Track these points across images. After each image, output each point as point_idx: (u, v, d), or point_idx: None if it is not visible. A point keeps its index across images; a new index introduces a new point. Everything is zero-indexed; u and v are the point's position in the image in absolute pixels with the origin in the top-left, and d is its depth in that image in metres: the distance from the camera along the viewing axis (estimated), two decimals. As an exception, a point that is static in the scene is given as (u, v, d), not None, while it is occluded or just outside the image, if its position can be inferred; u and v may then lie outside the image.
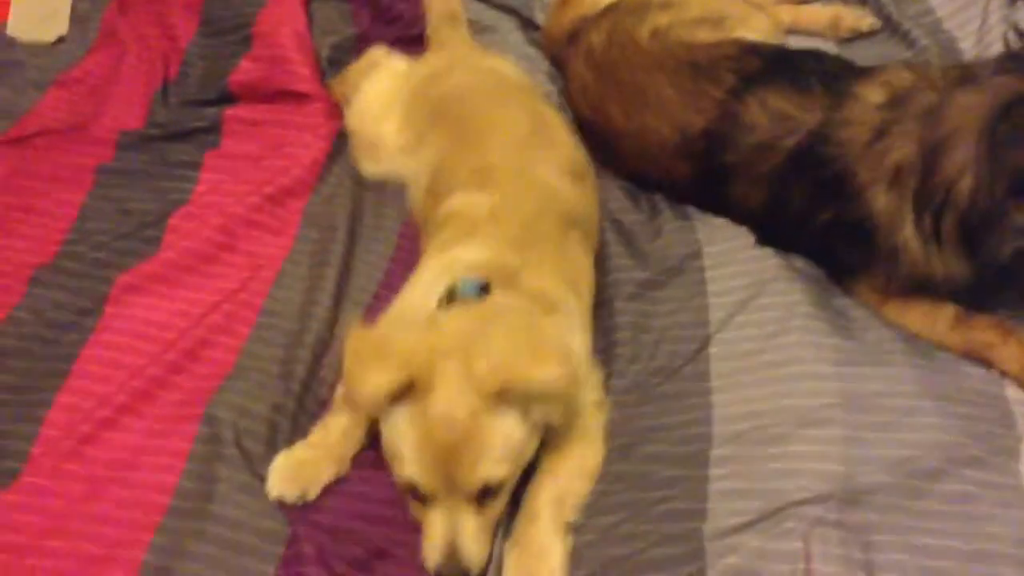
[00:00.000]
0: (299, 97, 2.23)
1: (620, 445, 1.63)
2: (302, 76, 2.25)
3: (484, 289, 1.53)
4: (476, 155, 1.81)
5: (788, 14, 2.30)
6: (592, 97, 2.11)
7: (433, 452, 1.37)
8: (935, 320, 1.73)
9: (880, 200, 1.71)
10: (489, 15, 2.46)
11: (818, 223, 1.80)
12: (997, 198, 1.54)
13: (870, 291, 1.79)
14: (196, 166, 2.14)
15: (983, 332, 1.69)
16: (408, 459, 1.39)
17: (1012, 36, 1.88)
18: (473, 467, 1.37)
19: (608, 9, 2.20)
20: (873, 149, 1.71)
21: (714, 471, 1.57)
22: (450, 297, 1.53)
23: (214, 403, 1.67)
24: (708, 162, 1.92)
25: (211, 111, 2.25)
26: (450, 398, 1.36)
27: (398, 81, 2.10)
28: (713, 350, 1.75)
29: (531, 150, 1.81)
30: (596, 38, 2.13)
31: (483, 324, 1.44)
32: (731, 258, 1.88)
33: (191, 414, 1.65)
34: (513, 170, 1.76)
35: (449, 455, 1.36)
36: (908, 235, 1.69)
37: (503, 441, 1.39)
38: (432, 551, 1.41)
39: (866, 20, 2.29)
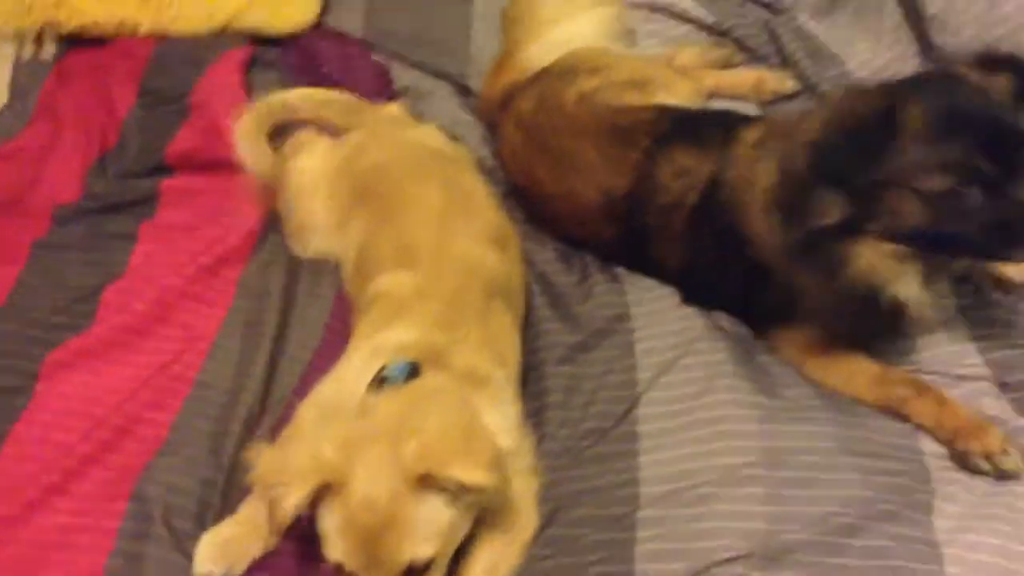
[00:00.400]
0: (235, 166, 2.24)
1: (551, 510, 1.65)
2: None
3: (414, 371, 1.56)
4: (398, 233, 1.84)
5: (712, 78, 2.37)
6: (523, 161, 2.16)
7: (357, 534, 1.38)
8: (854, 376, 1.78)
9: (761, 229, 1.75)
10: (426, 82, 2.51)
11: (731, 277, 1.86)
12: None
13: (791, 348, 1.84)
14: (131, 238, 2.15)
15: (899, 387, 1.74)
16: (333, 542, 1.40)
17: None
18: (397, 548, 1.38)
19: (539, 74, 2.25)
20: (748, 181, 1.77)
21: (641, 533, 1.60)
22: (380, 382, 1.55)
23: (144, 480, 1.67)
24: (630, 223, 1.97)
25: (147, 182, 2.27)
26: (372, 482, 1.38)
27: (323, 161, 2.13)
28: (641, 411, 1.78)
29: (451, 223, 1.85)
30: (526, 103, 2.19)
31: (413, 408, 1.47)
32: (659, 318, 1.93)
33: (120, 492, 1.65)
34: (435, 246, 1.79)
35: (373, 537, 1.38)
36: (779, 256, 1.73)
37: (427, 522, 1.41)
38: None
39: (787, 82, 2.36)
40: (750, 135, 1.84)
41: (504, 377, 1.69)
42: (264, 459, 1.45)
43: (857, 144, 1.57)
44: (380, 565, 1.39)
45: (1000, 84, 1.62)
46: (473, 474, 1.38)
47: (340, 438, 1.42)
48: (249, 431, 1.77)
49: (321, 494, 1.40)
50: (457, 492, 1.41)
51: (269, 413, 1.81)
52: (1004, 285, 1.91)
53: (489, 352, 1.68)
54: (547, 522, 1.63)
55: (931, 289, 1.71)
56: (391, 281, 1.75)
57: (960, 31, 2.14)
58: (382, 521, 1.38)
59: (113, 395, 1.82)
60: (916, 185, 1.57)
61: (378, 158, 2.03)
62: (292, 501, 1.38)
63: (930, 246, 1.64)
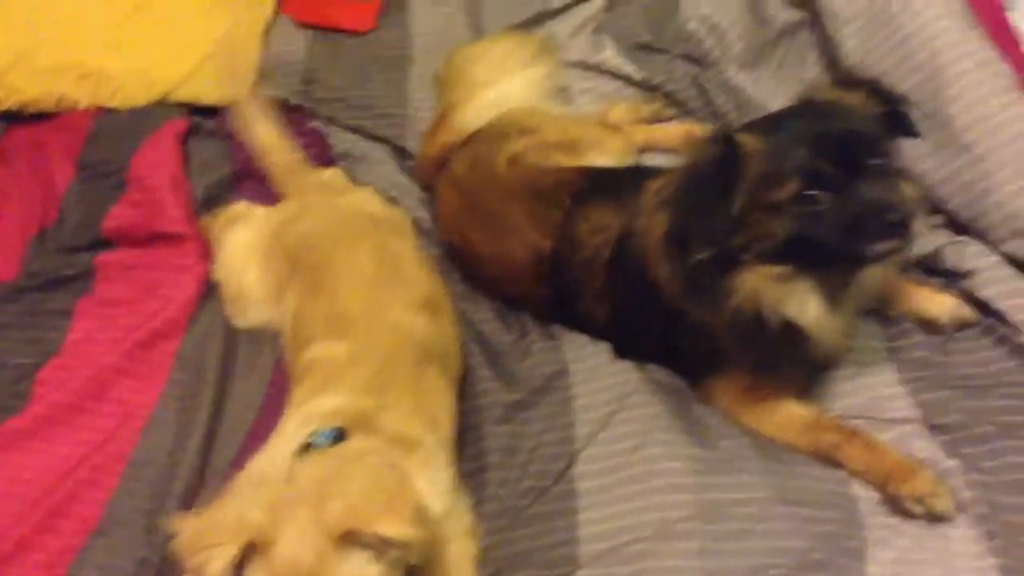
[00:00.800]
0: (172, 239, 2.26)
1: (491, 573, 1.66)
2: (175, 218, 2.29)
3: (340, 437, 1.56)
4: (329, 302, 1.85)
5: (642, 133, 2.41)
6: (458, 222, 2.18)
7: None
8: (786, 424, 1.80)
9: (664, 274, 1.77)
10: (362, 146, 2.53)
11: (652, 327, 1.88)
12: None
13: (723, 397, 1.86)
14: (68, 314, 2.15)
15: (830, 434, 1.76)
16: None
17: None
18: None
19: (473, 136, 2.28)
20: (650, 229, 1.80)
21: (580, 594, 1.61)
22: (306, 448, 1.55)
23: (78, 563, 1.66)
24: (558, 281, 2.00)
25: (85, 257, 2.27)
26: (296, 542, 1.37)
27: (256, 232, 2.14)
28: (579, 468, 1.79)
29: (382, 290, 1.86)
30: (460, 165, 2.22)
31: (337, 470, 1.46)
32: (595, 374, 1.94)
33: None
34: (366, 313, 1.80)
35: None
36: (681, 299, 1.75)
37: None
38: None
39: (717, 134, 2.41)
40: (655, 184, 1.88)
41: (436, 441, 1.69)
42: (188, 525, 1.43)
43: (706, 184, 1.64)
44: None
45: (853, 99, 1.69)
46: (396, 528, 1.38)
47: (266, 501, 1.41)
48: (186, 506, 1.76)
49: (247, 557, 1.38)
50: (382, 548, 1.40)
51: (207, 487, 1.80)
52: (931, 326, 1.94)
53: (420, 417, 1.69)
54: (488, 585, 1.64)
55: (837, 312, 1.74)
56: (323, 350, 1.76)
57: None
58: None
59: (49, 475, 1.82)
60: (767, 200, 1.61)
61: (310, 227, 2.05)
62: (219, 564, 1.35)
63: (800, 257, 1.66)
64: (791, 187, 1.60)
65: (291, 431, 1.62)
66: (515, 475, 1.81)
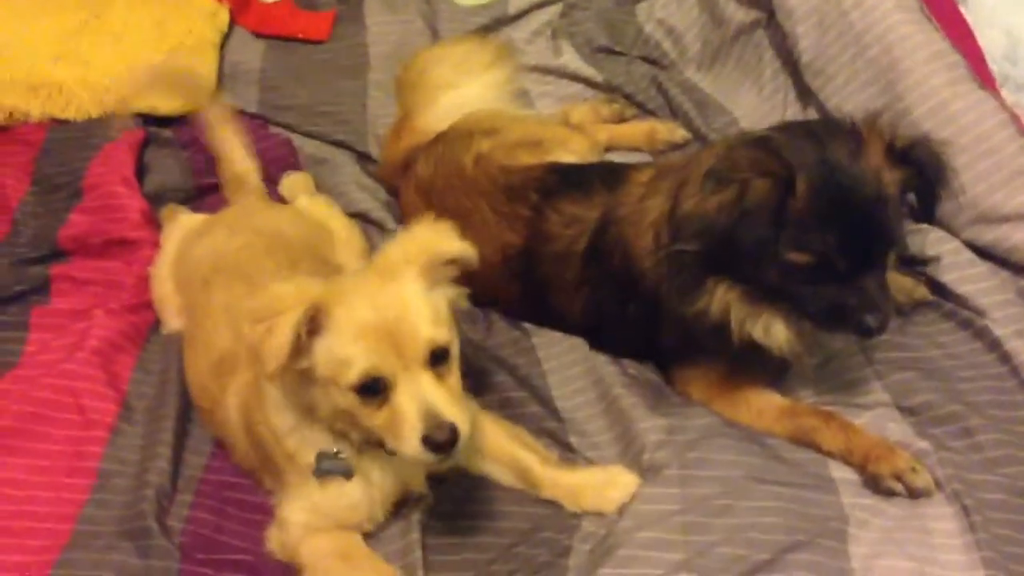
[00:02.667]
0: (129, 245, 2.21)
1: (487, 559, 1.65)
2: (132, 222, 2.25)
3: None
4: (206, 346, 1.82)
5: (605, 132, 2.44)
6: (424, 224, 2.17)
7: (376, 332, 1.44)
8: (762, 412, 1.82)
9: (650, 262, 1.79)
10: (324, 151, 2.52)
11: (628, 318, 1.89)
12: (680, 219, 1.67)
13: (698, 387, 1.87)
14: (25, 326, 2.09)
15: (807, 418, 1.78)
16: (352, 351, 1.43)
17: None
18: (416, 331, 1.46)
19: (437, 138, 2.28)
20: (638, 216, 1.82)
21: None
22: None
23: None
24: (528, 278, 2.00)
25: (39, 269, 2.21)
26: (374, 286, 1.48)
27: (176, 240, 2.13)
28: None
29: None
30: (424, 167, 2.21)
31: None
32: (570, 372, 1.94)
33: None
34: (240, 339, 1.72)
35: (391, 329, 1.44)
36: (666, 287, 1.77)
37: (435, 308, 1.50)
38: (412, 424, 1.44)
39: (678, 132, 2.44)
40: (641, 175, 1.89)
41: None
42: (256, 298, 1.48)
43: (760, 223, 1.61)
44: (407, 358, 1.44)
45: (897, 177, 1.66)
46: (458, 244, 1.54)
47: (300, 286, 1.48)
48: (162, 512, 1.72)
49: (315, 326, 1.44)
50: (445, 274, 1.54)
51: (182, 492, 1.77)
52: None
53: None
54: None
55: (802, 336, 1.75)
56: (237, 397, 1.72)
57: (834, 76, 2.24)
58: (396, 314, 1.45)
59: (15, 489, 1.75)
60: (785, 256, 1.63)
61: (194, 258, 2.01)
62: (289, 322, 1.39)
63: (773, 297, 1.70)
64: (804, 260, 1.62)
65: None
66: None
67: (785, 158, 1.62)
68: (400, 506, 1.70)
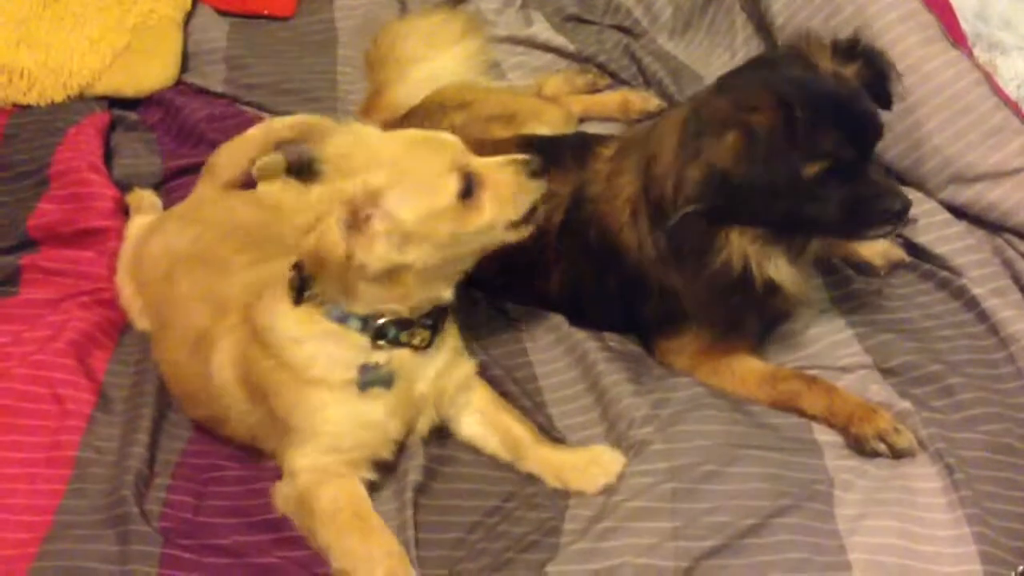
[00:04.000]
0: (101, 234, 2.17)
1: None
2: (103, 211, 2.20)
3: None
4: (180, 334, 1.80)
5: (579, 103, 2.42)
6: (400, 201, 2.14)
7: (426, 146, 1.58)
8: (745, 378, 1.82)
9: (629, 237, 1.79)
10: (294, 129, 2.48)
11: (609, 292, 1.88)
12: (677, 180, 1.66)
13: (681, 357, 1.87)
14: (-6, 318, 2.04)
15: (789, 382, 1.79)
16: (436, 165, 1.55)
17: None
18: (442, 134, 1.64)
19: (409, 113, 2.26)
20: (610, 194, 1.82)
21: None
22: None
23: (34, 570, 1.58)
24: (505, 256, 1.97)
25: (8, 260, 2.16)
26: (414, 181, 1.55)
27: (134, 238, 2.09)
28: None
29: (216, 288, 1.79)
30: (397, 143, 2.18)
31: None
32: (553, 348, 1.93)
33: (12, 585, 1.56)
34: (218, 310, 1.75)
35: (430, 138, 1.61)
36: (652, 257, 1.77)
37: None
38: (515, 179, 1.60)
39: (652, 101, 2.42)
40: (606, 151, 1.89)
41: None
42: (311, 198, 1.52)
43: (775, 146, 1.61)
44: (455, 149, 1.60)
45: (852, 72, 1.71)
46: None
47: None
48: (140, 498, 1.70)
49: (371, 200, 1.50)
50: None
51: (159, 476, 1.75)
52: (867, 270, 2.00)
53: None
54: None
55: (798, 267, 1.77)
56: (229, 352, 1.70)
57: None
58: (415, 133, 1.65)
59: (-7, 481, 1.72)
60: (804, 173, 1.62)
61: (149, 255, 1.98)
62: (334, 227, 1.46)
63: (794, 229, 1.70)
64: (821, 167, 1.62)
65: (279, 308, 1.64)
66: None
67: (763, 88, 1.63)
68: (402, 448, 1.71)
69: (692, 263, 1.73)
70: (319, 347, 1.61)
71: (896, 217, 1.69)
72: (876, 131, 1.68)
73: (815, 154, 1.61)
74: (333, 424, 1.62)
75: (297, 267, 1.61)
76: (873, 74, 1.74)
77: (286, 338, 1.62)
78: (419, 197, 1.53)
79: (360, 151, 1.56)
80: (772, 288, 1.74)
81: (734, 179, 1.60)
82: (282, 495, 1.65)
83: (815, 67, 1.68)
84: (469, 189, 1.55)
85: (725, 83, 1.73)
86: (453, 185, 1.54)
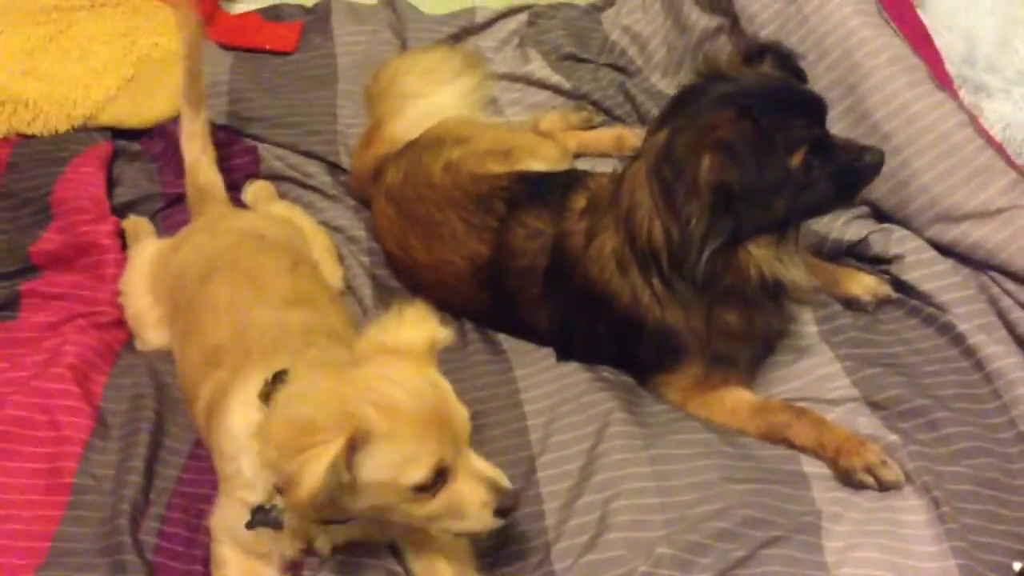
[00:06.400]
0: (99, 261, 2.20)
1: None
2: (101, 238, 2.23)
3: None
4: (200, 342, 1.81)
5: (574, 140, 2.46)
6: (395, 232, 2.18)
7: (433, 426, 1.42)
8: (736, 410, 1.85)
9: (619, 287, 1.83)
10: (294, 161, 2.51)
11: (600, 333, 1.91)
12: (681, 223, 1.69)
13: (673, 392, 1.90)
14: (-8, 343, 2.07)
15: (779, 414, 1.82)
16: (420, 453, 1.41)
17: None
18: (460, 412, 1.48)
19: (408, 146, 2.29)
20: (592, 251, 1.86)
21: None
22: (265, 396, 1.52)
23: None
24: (497, 289, 2.01)
25: (7, 284, 2.19)
26: (402, 382, 1.43)
27: (149, 256, 2.13)
28: (540, 474, 1.78)
29: (240, 311, 1.81)
30: (394, 175, 2.21)
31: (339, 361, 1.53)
32: (542, 379, 1.94)
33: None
34: (234, 336, 1.76)
35: (443, 418, 1.44)
36: (648, 302, 1.81)
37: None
38: (483, 501, 1.46)
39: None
40: (576, 201, 1.93)
41: None
42: (275, 429, 1.41)
43: (761, 148, 1.66)
44: (457, 438, 1.46)
45: (767, 69, 1.81)
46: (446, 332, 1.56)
47: (330, 402, 1.41)
48: (135, 525, 1.72)
49: (353, 447, 1.38)
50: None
51: (154, 505, 1.77)
52: (854, 304, 2.04)
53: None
54: None
55: (801, 258, 1.85)
56: (210, 389, 1.71)
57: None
58: (438, 400, 1.45)
59: (-11, 506, 1.73)
60: (790, 165, 1.69)
61: (180, 261, 2.01)
62: (327, 457, 1.34)
63: (796, 220, 1.78)
64: (801, 153, 1.69)
65: (242, 400, 1.59)
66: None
67: (714, 109, 1.70)
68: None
69: (729, 292, 1.77)
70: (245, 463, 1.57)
71: (877, 168, 1.79)
72: (822, 103, 1.78)
73: (792, 143, 1.68)
74: (237, 525, 1.60)
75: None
76: (783, 63, 1.84)
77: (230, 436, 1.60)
78: (390, 466, 1.41)
79: (386, 385, 1.45)
80: (781, 289, 1.80)
81: (734, 187, 1.64)
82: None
83: (737, 78, 1.76)
84: (434, 484, 1.44)
85: (671, 125, 1.75)
86: (422, 476, 1.42)
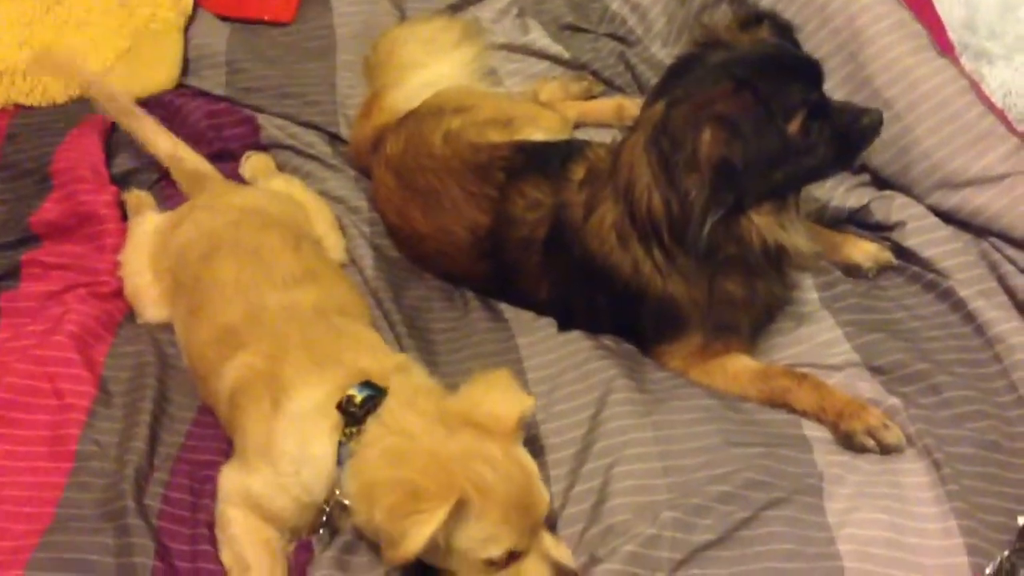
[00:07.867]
0: (99, 231, 2.20)
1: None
2: (101, 208, 2.23)
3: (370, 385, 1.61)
4: (210, 322, 1.82)
5: (574, 109, 2.45)
6: (395, 202, 2.18)
7: (516, 512, 1.49)
8: (737, 376, 1.85)
9: (620, 259, 1.83)
10: (293, 132, 2.50)
11: (600, 304, 1.91)
12: (681, 195, 1.69)
13: (675, 360, 1.90)
14: (-6, 312, 2.07)
15: (780, 379, 1.82)
16: (501, 535, 1.48)
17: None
18: (543, 498, 1.55)
19: (407, 116, 2.28)
20: (592, 224, 1.86)
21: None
22: (350, 414, 1.57)
23: (34, 562, 1.60)
24: (497, 259, 2.01)
25: (9, 255, 2.19)
26: (493, 464, 1.49)
27: (149, 233, 2.13)
28: (547, 441, 1.78)
29: (250, 290, 1.83)
30: (394, 145, 2.21)
31: (428, 409, 1.57)
32: (544, 347, 1.94)
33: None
34: (248, 316, 1.78)
35: (527, 504, 1.51)
36: (649, 273, 1.81)
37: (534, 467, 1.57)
38: None
39: (646, 106, 2.46)
40: (575, 172, 1.93)
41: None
42: (381, 492, 1.47)
43: (760, 118, 1.66)
44: (535, 523, 1.53)
45: (764, 35, 1.81)
46: (527, 398, 1.63)
47: (434, 465, 1.48)
48: (140, 491, 1.73)
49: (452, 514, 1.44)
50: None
51: (158, 470, 1.78)
52: (855, 270, 2.04)
53: (372, 351, 1.75)
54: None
55: (802, 223, 1.85)
56: (238, 371, 1.72)
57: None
58: (525, 484, 1.52)
59: (-7, 474, 1.74)
60: (789, 133, 1.69)
61: (184, 239, 2.01)
62: (436, 520, 1.41)
63: (796, 185, 1.78)
64: (799, 119, 1.69)
65: (297, 437, 1.62)
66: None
67: (711, 80, 1.69)
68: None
69: (732, 261, 1.77)
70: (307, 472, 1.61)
71: (876, 130, 1.79)
72: (818, 67, 1.78)
73: (790, 110, 1.68)
74: (257, 487, 1.64)
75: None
76: (779, 29, 1.83)
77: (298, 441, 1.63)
78: (474, 540, 1.49)
79: (480, 465, 1.50)
80: (783, 256, 1.80)
81: (735, 162, 1.63)
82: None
83: (734, 44, 1.76)
84: (506, 564, 1.52)
85: (668, 96, 1.74)
86: (497, 555, 1.50)
